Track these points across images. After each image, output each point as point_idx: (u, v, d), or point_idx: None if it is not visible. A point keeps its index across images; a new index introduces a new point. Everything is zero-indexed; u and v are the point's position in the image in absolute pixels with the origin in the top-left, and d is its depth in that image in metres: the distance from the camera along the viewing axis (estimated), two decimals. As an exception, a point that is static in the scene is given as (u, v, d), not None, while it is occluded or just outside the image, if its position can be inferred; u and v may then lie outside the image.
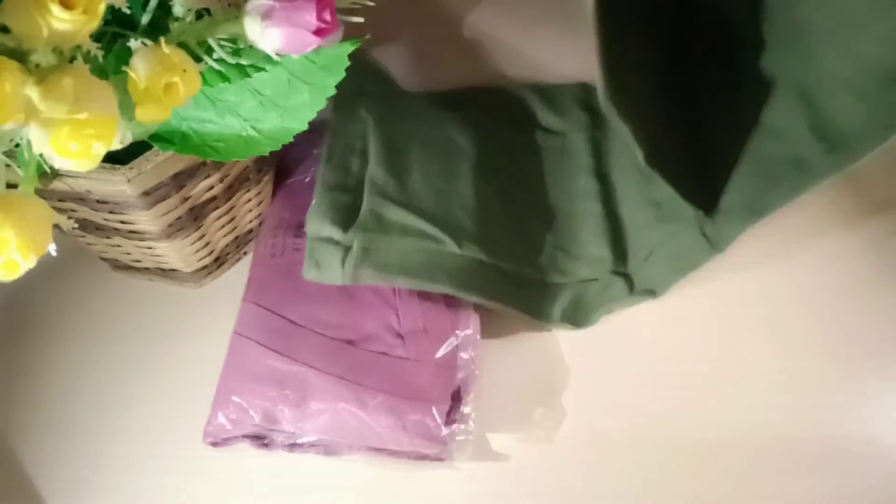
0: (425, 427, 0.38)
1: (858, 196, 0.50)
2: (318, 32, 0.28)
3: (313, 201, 0.44)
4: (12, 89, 0.23)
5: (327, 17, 0.29)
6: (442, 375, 0.40)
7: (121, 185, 0.35)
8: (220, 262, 0.48)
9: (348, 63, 0.34)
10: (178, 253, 0.43)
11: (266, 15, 0.28)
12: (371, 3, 0.32)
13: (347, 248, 0.42)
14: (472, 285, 0.42)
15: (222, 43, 0.30)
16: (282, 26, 0.28)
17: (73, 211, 0.39)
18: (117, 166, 0.34)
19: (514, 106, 0.55)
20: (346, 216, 0.43)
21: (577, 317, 0.45)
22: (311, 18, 0.28)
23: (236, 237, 0.48)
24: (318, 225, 0.43)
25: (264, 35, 0.28)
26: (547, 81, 0.57)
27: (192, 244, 0.44)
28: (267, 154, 0.35)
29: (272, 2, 0.28)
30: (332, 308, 0.42)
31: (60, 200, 0.38)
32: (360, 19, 0.32)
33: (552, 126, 0.54)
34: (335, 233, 0.43)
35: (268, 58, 0.31)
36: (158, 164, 0.35)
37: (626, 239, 0.47)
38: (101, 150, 0.25)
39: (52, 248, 0.26)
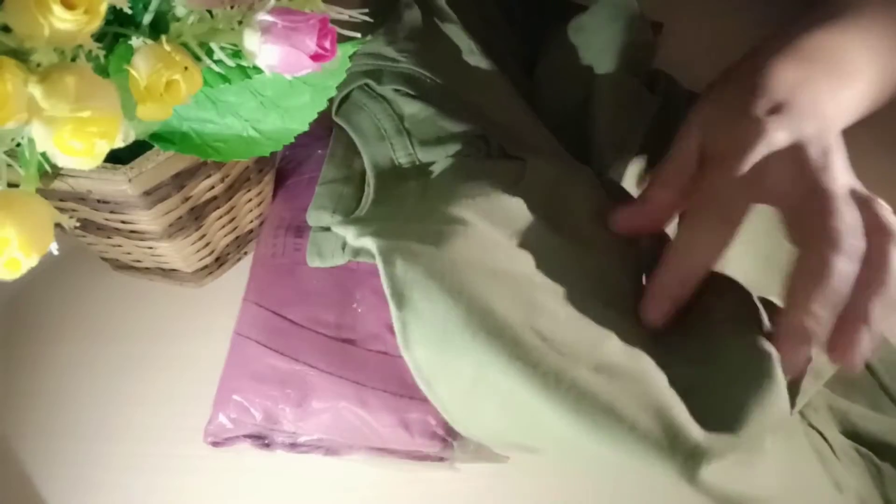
0: (427, 425, 0.38)
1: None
2: (315, 57, 0.28)
3: (315, 195, 0.44)
4: (14, 88, 0.23)
5: (327, 44, 0.29)
6: (442, 375, 0.40)
7: (122, 184, 0.35)
8: (220, 261, 0.48)
9: (349, 64, 0.34)
10: (178, 253, 0.43)
11: (266, 31, 0.28)
12: (369, 19, 0.32)
13: None
14: None
15: (223, 46, 0.30)
16: (280, 45, 0.28)
17: (74, 211, 0.39)
18: (118, 166, 0.34)
19: None
20: (348, 205, 0.44)
21: None
22: (310, 43, 0.28)
23: (237, 237, 0.48)
24: (319, 215, 0.43)
25: (262, 50, 0.28)
26: None
27: (193, 244, 0.44)
28: (268, 154, 0.36)
29: (275, 19, 0.28)
30: (332, 308, 0.42)
31: (61, 200, 0.38)
32: (357, 34, 0.32)
33: None
34: (336, 221, 0.43)
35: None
36: (159, 164, 0.35)
37: None
38: (104, 147, 0.25)
39: (53, 247, 0.26)
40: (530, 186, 0.39)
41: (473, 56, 0.47)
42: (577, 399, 0.29)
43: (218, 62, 0.30)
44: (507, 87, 0.46)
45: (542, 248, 0.35)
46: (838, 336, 0.31)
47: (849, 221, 0.31)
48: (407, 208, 0.40)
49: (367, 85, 0.45)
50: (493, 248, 0.33)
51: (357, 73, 0.45)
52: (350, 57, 0.34)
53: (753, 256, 0.41)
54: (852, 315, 0.31)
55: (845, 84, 0.39)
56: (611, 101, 0.46)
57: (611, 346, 0.31)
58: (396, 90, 0.44)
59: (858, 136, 0.39)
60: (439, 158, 0.42)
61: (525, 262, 0.34)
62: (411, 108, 0.44)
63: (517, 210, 0.36)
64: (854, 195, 0.33)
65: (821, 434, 0.38)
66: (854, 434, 0.39)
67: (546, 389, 0.29)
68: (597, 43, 0.49)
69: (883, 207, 0.33)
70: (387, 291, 0.33)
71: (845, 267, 0.30)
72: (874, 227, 0.32)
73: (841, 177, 0.33)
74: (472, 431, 0.34)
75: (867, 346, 0.30)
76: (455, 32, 0.48)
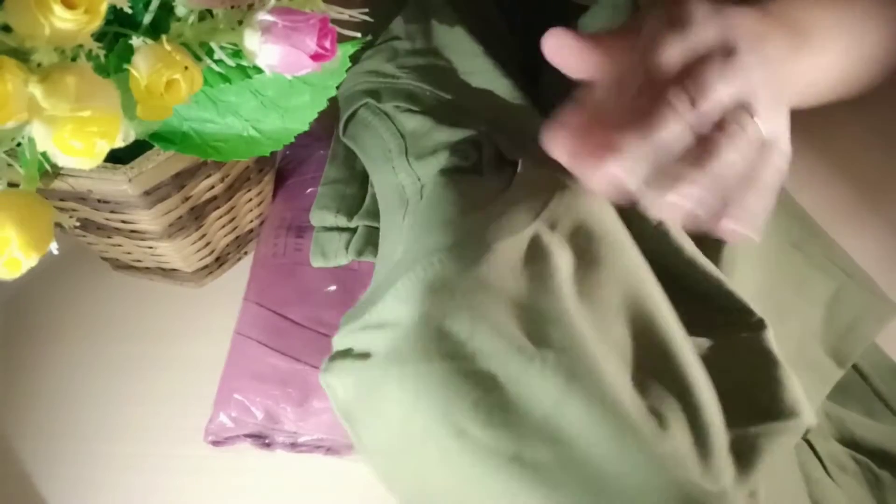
0: (426, 426, 0.38)
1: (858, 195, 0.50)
2: (315, 57, 0.28)
3: (318, 195, 0.45)
4: (14, 88, 0.23)
5: (327, 44, 0.29)
6: (442, 375, 0.40)
7: (122, 184, 0.35)
8: (220, 261, 0.48)
9: (349, 64, 0.34)
10: (178, 252, 0.43)
11: (267, 30, 0.28)
12: (369, 19, 0.32)
13: (352, 232, 0.43)
14: None
15: (223, 45, 0.30)
16: (280, 45, 0.28)
17: (74, 211, 0.39)
18: (118, 166, 0.34)
19: None
20: (350, 205, 0.44)
21: None
22: (310, 43, 0.28)
23: (237, 237, 0.48)
24: (323, 215, 0.44)
25: (262, 50, 0.28)
26: None
27: (193, 244, 0.44)
28: (268, 154, 0.36)
29: (275, 19, 0.28)
30: (333, 308, 0.42)
31: (62, 200, 0.38)
32: (357, 34, 0.32)
33: None
34: (340, 221, 0.43)
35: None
36: (159, 164, 0.35)
37: None
38: (104, 147, 0.25)
39: (53, 247, 0.26)
40: (514, 190, 0.37)
41: (477, 58, 0.47)
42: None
43: (218, 62, 0.30)
44: (509, 87, 0.46)
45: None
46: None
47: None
48: (395, 259, 0.36)
49: (369, 102, 0.46)
50: (450, 330, 0.29)
51: (358, 91, 0.45)
52: (350, 57, 0.34)
53: (763, 266, 0.41)
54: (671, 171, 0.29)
55: (807, 51, 0.36)
56: None
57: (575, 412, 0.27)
58: (397, 107, 0.44)
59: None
60: (433, 172, 0.41)
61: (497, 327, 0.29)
62: (412, 123, 0.44)
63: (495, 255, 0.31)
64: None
65: (812, 448, 0.37)
66: (851, 442, 0.39)
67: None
68: None
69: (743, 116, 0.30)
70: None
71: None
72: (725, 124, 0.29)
73: (740, 76, 0.28)
74: None
75: (679, 199, 0.29)
76: (459, 34, 0.48)
